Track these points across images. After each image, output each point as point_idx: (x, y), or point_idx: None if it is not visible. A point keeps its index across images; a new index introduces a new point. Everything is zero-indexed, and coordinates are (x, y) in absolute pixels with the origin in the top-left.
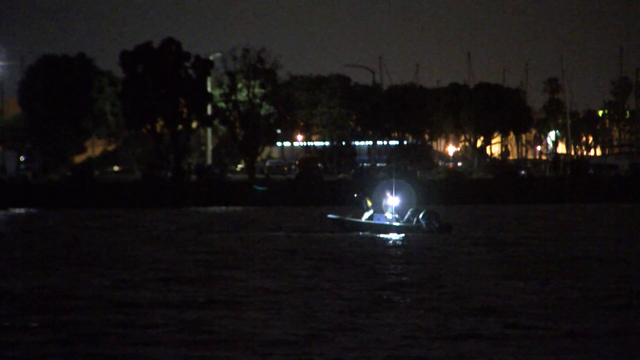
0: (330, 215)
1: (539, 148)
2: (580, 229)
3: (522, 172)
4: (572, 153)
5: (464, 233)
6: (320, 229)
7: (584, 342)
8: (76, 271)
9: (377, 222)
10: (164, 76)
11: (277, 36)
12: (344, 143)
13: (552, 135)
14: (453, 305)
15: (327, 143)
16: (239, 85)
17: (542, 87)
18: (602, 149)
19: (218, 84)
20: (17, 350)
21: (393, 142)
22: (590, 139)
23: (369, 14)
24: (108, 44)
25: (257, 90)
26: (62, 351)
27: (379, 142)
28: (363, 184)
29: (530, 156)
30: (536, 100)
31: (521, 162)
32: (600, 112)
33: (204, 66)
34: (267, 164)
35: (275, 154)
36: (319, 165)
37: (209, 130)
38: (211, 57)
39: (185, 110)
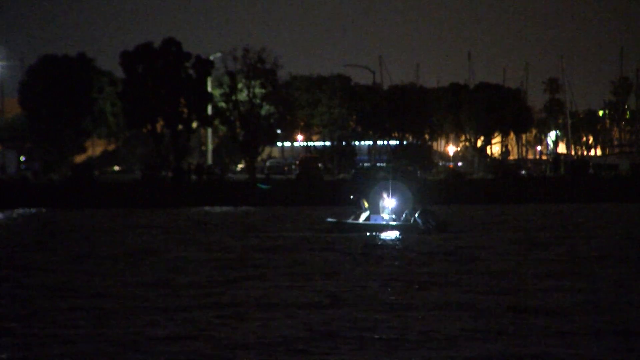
0: (328, 219)
1: (539, 148)
2: (589, 229)
3: (523, 172)
4: (572, 153)
5: (467, 233)
6: (319, 230)
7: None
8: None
9: (374, 222)
10: (164, 76)
11: (277, 36)
12: (344, 143)
13: (552, 135)
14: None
15: (327, 143)
16: (239, 85)
17: (542, 87)
18: (602, 149)
19: (218, 84)
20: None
21: (393, 142)
22: (591, 139)
23: (369, 14)
24: (108, 44)
25: (258, 90)
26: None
27: (379, 142)
28: (363, 184)
29: (530, 156)
30: (536, 100)
31: (521, 162)
32: (601, 112)
33: (204, 66)
34: (267, 164)
35: (276, 154)
36: (319, 165)
37: (209, 130)
38: (211, 57)
39: (185, 110)
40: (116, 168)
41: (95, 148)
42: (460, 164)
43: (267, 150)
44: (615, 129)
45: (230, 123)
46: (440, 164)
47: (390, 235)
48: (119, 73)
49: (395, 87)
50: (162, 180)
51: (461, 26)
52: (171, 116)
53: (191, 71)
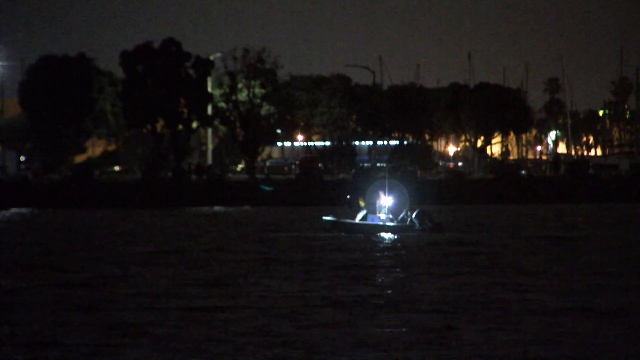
0: (325, 218)
1: (539, 148)
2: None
3: (523, 172)
4: (572, 153)
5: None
6: (316, 230)
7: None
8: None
9: (370, 222)
10: (164, 76)
11: (277, 36)
12: (344, 143)
13: (552, 135)
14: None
15: (327, 143)
16: (239, 86)
17: (542, 87)
18: (602, 149)
19: (218, 84)
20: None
21: (393, 142)
22: (591, 139)
23: (369, 14)
24: (108, 44)
25: (258, 90)
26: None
27: (379, 142)
28: (362, 184)
29: (530, 156)
30: (536, 100)
31: (521, 162)
32: (601, 112)
33: (204, 66)
34: (267, 164)
35: (276, 154)
36: (319, 165)
37: (209, 130)
38: (211, 57)
39: (185, 110)
40: (116, 168)
41: (95, 148)
42: (460, 164)
43: (267, 150)
44: (615, 129)
45: (230, 123)
46: (440, 164)
47: (387, 236)
48: (119, 73)
49: (395, 87)
50: (162, 180)
51: (461, 26)
52: (171, 116)
53: (191, 71)
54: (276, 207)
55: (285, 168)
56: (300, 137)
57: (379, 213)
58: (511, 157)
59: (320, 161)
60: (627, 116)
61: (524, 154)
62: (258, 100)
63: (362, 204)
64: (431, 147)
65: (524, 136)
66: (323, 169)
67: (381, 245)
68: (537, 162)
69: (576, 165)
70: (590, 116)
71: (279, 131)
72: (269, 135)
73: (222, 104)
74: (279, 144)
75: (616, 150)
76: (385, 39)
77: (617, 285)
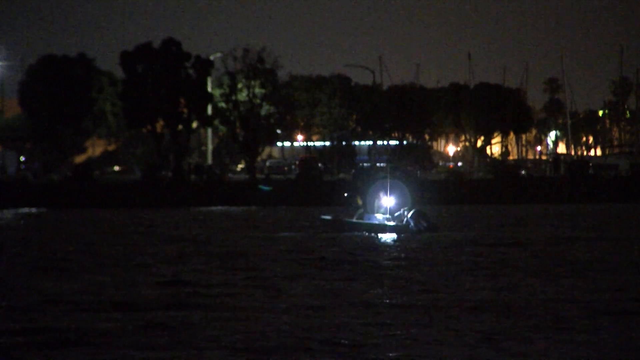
0: (323, 216)
1: (539, 148)
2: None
3: (522, 172)
4: (572, 153)
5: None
6: (314, 229)
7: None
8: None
9: (368, 221)
10: (164, 76)
11: (277, 36)
12: (344, 143)
13: (552, 135)
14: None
15: (327, 143)
16: (239, 86)
17: (542, 87)
18: (602, 149)
19: (218, 84)
20: None
21: (393, 142)
22: (590, 139)
23: (369, 14)
24: (108, 44)
25: (258, 91)
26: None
27: (379, 142)
28: (362, 184)
29: (530, 156)
30: (536, 100)
31: (521, 162)
32: (600, 112)
33: (204, 66)
34: (267, 164)
35: (276, 154)
36: (319, 165)
37: (209, 130)
38: (211, 57)
39: (185, 110)
40: (116, 168)
41: (95, 148)
42: (460, 164)
43: (267, 150)
44: (615, 129)
45: (230, 123)
46: (440, 164)
47: (383, 236)
48: (119, 73)
49: (395, 87)
50: (162, 180)
51: (461, 26)
52: (171, 116)
53: (191, 71)
54: (276, 207)
55: (285, 168)
56: (300, 137)
57: (377, 212)
58: (511, 157)
59: (320, 161)
60: (627, 116)
61: (524, 154)
62: (258, 100)
63: (359, 202)
64: (431, 147)
65: (524, 136)
66: (323, 169)
67: (389, 245)
68: (537, 162)
69: (576, 165)
70: (590, 116)
71: (279, 131)
72: (269, 135)
73: (222, 104)
74: (279, 144)
75: (616, 150)
76: (385, 39)
77: None
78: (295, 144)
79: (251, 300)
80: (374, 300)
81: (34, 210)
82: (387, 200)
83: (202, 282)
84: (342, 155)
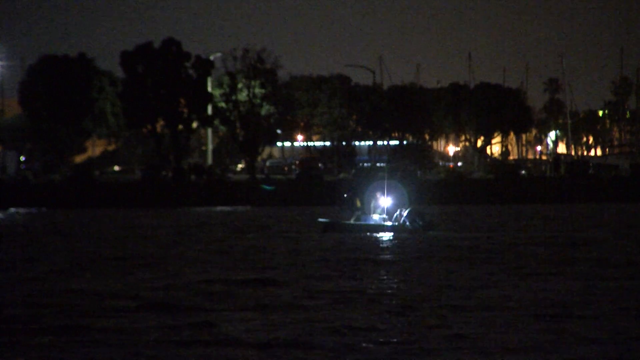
0: (320, 219)
1: (539, 148)
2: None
3: (522, 172)
4: (572, 153)
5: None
6: (312, 230)
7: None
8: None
9: (365, 222)
10: (164, 76)
11: (277, 36)
12: (344, 143)
13: (552, 135)
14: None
15: (327, 143)
16: (239, 86)
17: (542, 87)
18: (602, 149)
19: (218, 84)
20: None
21: (393, 142)
22: (590, 139)
23: (369, 14)
24: (108, 44)
25: (258, 90)
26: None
27: (379, 142)
28: (361, 184)
29: (530, 156)
30: (536, 100)
31: (521, 162)
32: (600, 112)
33: (204, 66)
34: (267, 164)
35: (276, 154)
36: (319, 165)
37: (209, 130)
38: (211, 57)
39: (185, 110)
40: (116, 168)
41: (95, 148)
42: (460, 164)
43: (267, 150)
44: (615, 129)
45: (230, 123)
46: (440, 164)
47: (381, 236)
48: (119, 73)
49: (395, 87)
50: (162, 180)
51: (461, 26)
52: (171, 116)
53: (191, 71)
54: (276, 207)
55: (285, 168)
56: (300, 137)
57: (374, 213)
58: (511, 157)
59: (320, 161)
60: (627, 116)
61: (524, 154)
62: (258, 100)
63: (358, 204)
64: (431, 147)
65: (524, 136)
66: (323, 169)
67: (383, 244)
68: (537, 162)
69: (576, 165)
70: (590, 116)
71: (279, 131)
72: (269, 135)
73: (222, 104)
74: (279, 144)
75: (616, 150)
76: (385, 39)
77: None
78: (295, 144)
79: (250, 300)
80: (376, 298)
81: (33, 210)
82: (384, 201)
83: (225, 281)
84: (342, 155)
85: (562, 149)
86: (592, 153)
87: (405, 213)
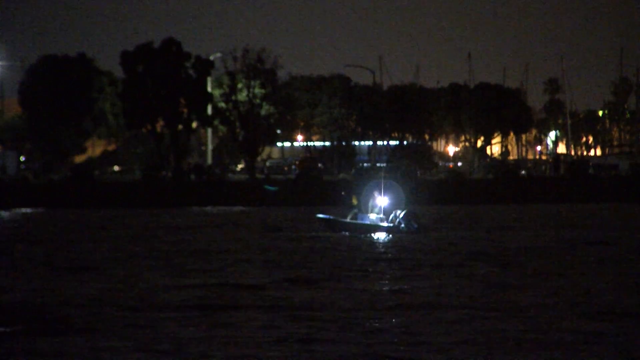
0: (319, 215)
1: (539, 148)
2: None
3: (522, 172)
4: (572, 153)
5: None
6: (310, 229)
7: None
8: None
9: (362, 222)
10: (164, 76)
11: (277, 36)
12: (344, 143)
13: (552, 135)
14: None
15: (327, 143)
16: (239, 86)
17: (542, 88)
18: (602, 149)
19: (218, 84)
20: None
21: (393, 142)
22: (590, 139)
23: (369, 14)
24: (108, 44)
25: (257, 91)
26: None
27: (379, 142)
28: (359, 184)
29: (530, 156)
30: (536, 100)
31: (521, 162)
32: (600, 112)
33: (204, 66)
34: (267, 164)
35: (275, 154)
36: (319, 165)
37: (209, 130)
38: (211, 57)
39: (185, 110)
40: (116, 168)
41: (95, 148)
42: (460, 164)
43: (267, 150)
44: (615, 129)
45: (230, 123)
46: (440, 164)
47: (376, 237)
48: (119, 73)
49: (395, 87)
50: (162, 180)
51: (461, 26)
52: (171, 116)
53: (191, 71)
54: (276, 207)
55: (285, 168)
56: (300, 137)
57: (371, 212)
58: (511, 157)
59: (320, 161)
60: (627, 116)
61: (523, 154)
62: (258, 100)
63: (354, 202)
64: (431, 147)
65: (523, 136)
66: (323, 169)
67: (378, 246)
68: (537, 162)
69: (576, 165)
70: (590, 116)
71: (279, 131)
72: (269, 135)
73: (222, 104)
74: (279, 144)
75: (616, 150)
76: (385, 39)
77: None
78: (295, 144)
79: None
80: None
81: (29, 210)
82: (381, 200)
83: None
84: (342, 155)
85: (562, 149)
86: (592, 153)
87: (401, 215)
